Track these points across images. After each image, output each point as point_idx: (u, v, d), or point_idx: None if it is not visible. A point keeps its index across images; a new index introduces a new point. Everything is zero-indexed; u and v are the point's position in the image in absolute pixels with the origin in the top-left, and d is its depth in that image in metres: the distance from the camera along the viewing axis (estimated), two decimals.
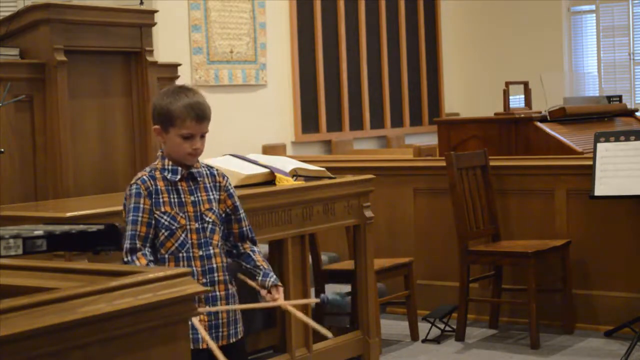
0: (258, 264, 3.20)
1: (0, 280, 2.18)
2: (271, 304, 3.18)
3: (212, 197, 3.14)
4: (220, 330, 3.13)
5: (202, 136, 3.11)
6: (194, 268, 3.07)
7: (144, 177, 3.09)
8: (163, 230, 3.07)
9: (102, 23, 4.83)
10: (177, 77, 5.33)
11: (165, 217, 3.07)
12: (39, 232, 2.17)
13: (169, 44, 6.87)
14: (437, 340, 5.32)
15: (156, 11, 5.18)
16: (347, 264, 5.20)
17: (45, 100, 4.64)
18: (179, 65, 5.42)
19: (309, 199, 4.51)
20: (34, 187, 4.64)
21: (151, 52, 5.01)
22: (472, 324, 5.62)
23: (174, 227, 3.07)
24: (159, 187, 3.09)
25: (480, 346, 5.25)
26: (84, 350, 1.87)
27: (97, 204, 3.93)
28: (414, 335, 5.37)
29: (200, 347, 3.04)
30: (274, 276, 3.19)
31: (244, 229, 3.22)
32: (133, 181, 3.10)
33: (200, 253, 3.09)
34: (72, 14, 4.71)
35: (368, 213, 4.82)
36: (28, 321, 1.75)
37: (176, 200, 3.09)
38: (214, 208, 3.13)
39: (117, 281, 2.00)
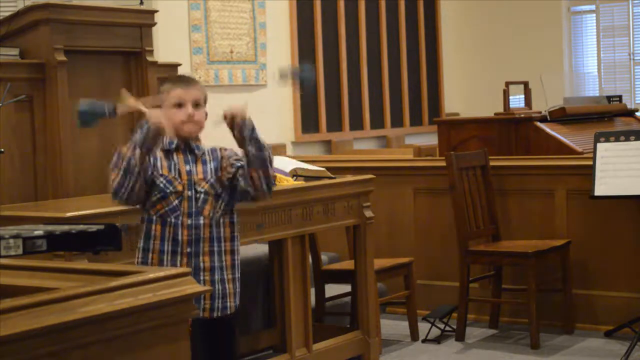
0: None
1: (0, 280, 2.18)
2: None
3: (209, 167, 3.20)
4: (202, 302, 3.13)
5: (197, 105, 3.18)
6: (180, 236, 3.12)
7: None
8: (156, 192, 3.13)
9: (102, 23, 4.83)
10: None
11: (161, 179, 3.14)
12: (39, 232, 2.17)
13: (169, 44, 6.87)
14: (437, 340, 5.32)
15: (156, 11, 5.18)
16: (347, 264, 5.20)
17: (45, 100, 4.64)
18: (179, 65, 5.42)
19: (309, 199, 4.50)
20: (34, 187, 4.63)
21: (151, 52, 5.01)
22: (472, 324, 5.62)
23: (168, 191, 3.13)
24: (158, 153, 3.16)
25: (480, 346, 5.25)
26: (84, 350, 1.87)
27: (97, 204, 3.93)
28: (414, 335, 5.37)
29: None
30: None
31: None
32: None
33: (189, 222, 3.13)
34: (72, 14, 4.71)
35: (368, 213, 4.82)
36: (28, 321, 1.76)
37: (172, 166, 3.16)
38: (209, 178, 3.18)
39: (117, 281, 2.00)
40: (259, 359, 4.80)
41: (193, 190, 3.15)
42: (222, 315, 3.18)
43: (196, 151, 3.21)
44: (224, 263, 3.18)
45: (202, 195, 3.16)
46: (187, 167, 3.17)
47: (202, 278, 3.12)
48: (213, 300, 3.15)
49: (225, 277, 3.18)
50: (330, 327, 5.12)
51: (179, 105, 3.16)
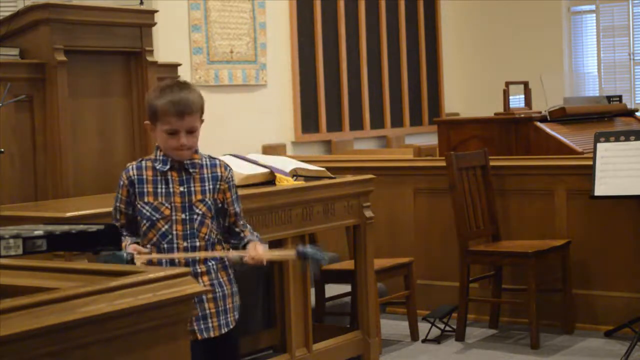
0: (243, 236, 3.19)
1: (0, 280, 2.18)
2: (245, 257, 3.09)
3: (207, 187, 3.12)
4: (210, 321, 3.11)
5: (191, 132, 3.08)
6: (177, 260, 3.07)
7: (133, 166, 3.14)
8: (144, 221, 3.09)
9: (102, 23, 4.83)
10: (177, 77, 5.33)
11: (147, 208, 3.08)
12: (39, 232, 2.17)
13: (169, 44, 6.87)
14: (437, 340, 5.32)
15: (156, 11, 5.18)
16: (347, 264, 5.20)
17: (45, 100, 4.64)
18: (179, 65, 5.42)
19: (309, 199, 4.50)
20: (34, 187, 4.63)
21: (151, 52, 5.01)
22: (472, 324, 5.62)
23: (154, 218, 3.07)
24: (144, 176, 3.10)
25: (480, 346, 5.25)
26: (84, 350, 1.87)
27: (97, 204, 3.93)
28: (414, 335, 5.37)
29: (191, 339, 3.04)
30: (252, 237, 3.18)
31: (238, 222, 3.21)
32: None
33: (185, 244, 3.08)
34: (72, 14, 4.71)
35: (368, 213, 4.82)
36: (28, 321, 1.75)
37: (163, 190, 3.09)
38: (207, 199, 3.11)
39: (117, 281, 2.00)
40: (259, 359, 4.80)
41: (187, 213, 3.08)
42: (228, 331, 3.16)
43: (191, 169, 3.11)
44: (220, 279, 3.15)
45: (198, 217, 3.09)
46: (182, 188, 3.09)
47: (203, 297, 3.09)
48: (219, 318, 3.13)
49: (225, 292, 3.16)
50: (330, 327, 5.12)
51: (171, 132, 3.06)
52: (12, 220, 3.52)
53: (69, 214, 3.60)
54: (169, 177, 3.10)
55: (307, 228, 4.51)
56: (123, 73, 4.98)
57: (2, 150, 4.31)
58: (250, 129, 7.63)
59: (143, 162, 3.14)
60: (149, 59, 4.98)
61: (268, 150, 7.58)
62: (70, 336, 1.83)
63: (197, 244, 3.09)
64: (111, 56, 4.94)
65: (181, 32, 7.18)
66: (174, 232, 3.08)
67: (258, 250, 3.09)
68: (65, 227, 2.29)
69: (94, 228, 2.30)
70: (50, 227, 2.27)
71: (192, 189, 3.10)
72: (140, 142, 4.98)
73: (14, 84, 4.43)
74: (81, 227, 2.31)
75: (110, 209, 3.65)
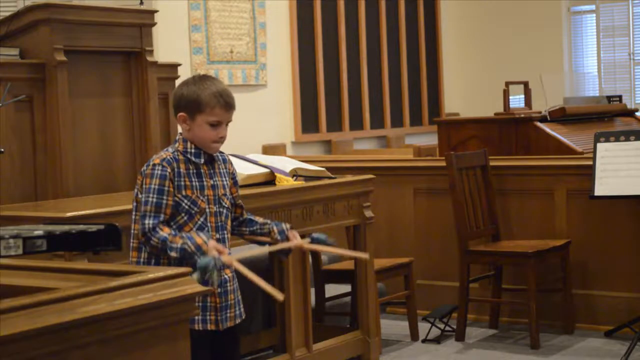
0: (262, 221, 3.28)
1: (0, 280, 2.18)
2: (290, 244, 3.20)
3: (226, 182, 3.20)
4: (228, 311, 3.16)
5: (227, 124, 3.16)
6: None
7: (169, 158, 3.09)
8: (182, 214, 3.08)
9: (102, 23, 4.83)
10: (177, 77, 5.32)
11: (186, 201, 3.08)
12: (39, 232, 2.17)
13: (169, 44, 6.87)
14: (437, 340, 5.32)
15: (156, 11, 5.18)
16: (347, 264, 5.20)
17: (45, 100, 4.63)
18: (179, 65, 5.41)
19: (309, 199, 4.50)
20: (34, 187, 4.63)
21: (151, 52, 5.01)
22: (472, 324, 5.62)
23: (193, 212, 3.09)
24: (181, 170, 3.10)
25: (480, 346, 5.25)
26: (84, 350, 1.87)
27: (97, 204, 3.93)
28: (414, 335, 5.37)
29: (197, 328, 3.06)
30: (270, 222, 3.28)
31: (244, 211, 3.30)
32: (157, 161, 3.08)
33: (217, 236, 3.13)
34: (72, 14, 4.71)
35: (368, 213, 4.82)
36: (28, 321, 1.76)
37: (197, 183, 3.11)
38: (228, 194, 3.20)
39: (117, 281, 2.00)
40: (259, 359, 4.81)
41: (217, 205, 3.14)
42: (239, 322, 3.22)
43: (216, 161, 3.18)
44: (234, 273, 3.19)
45: (225, 211, 3.17)
46: (212, 182, 3.14)
47: (228, 289, 3.15)
48: (235, 308, 3.18)
49: (236, 286, 3.22)
50: (330, 327, 5.12)
51: (214, 124, 3.10)
52: (12, 220, 3.52)
53: (69, 214, 3.60)
54: (201, 170, 3.14)
55: (307, 228, 4.50)
56: (123, 73, 4.97)
57: (2, 150, 4.31)
58: (250, 129, 7.63)
59: (176, 155, 3.11)
60: (149, 59, 4.97)
61: (268, 150, 7.58)
62: (70, 336, 1.83)
63: (225, 235, 3.17)
64: (111, 56, 4.93)
65: (181, 32, 7.18)
66: (208, 225, 3.12)
67: (298, 239, 3.21)
68: (65, 227, 2.29)
69: (94, 228, 2.30)
70: (50, 227, 2.28)
71: (217, 182, 3.17)
72: (140, 141, 4.97)
73: (14, 84, 4.43)
74: (81, 227, 2.31)
75: (111, 208, 3.66)
